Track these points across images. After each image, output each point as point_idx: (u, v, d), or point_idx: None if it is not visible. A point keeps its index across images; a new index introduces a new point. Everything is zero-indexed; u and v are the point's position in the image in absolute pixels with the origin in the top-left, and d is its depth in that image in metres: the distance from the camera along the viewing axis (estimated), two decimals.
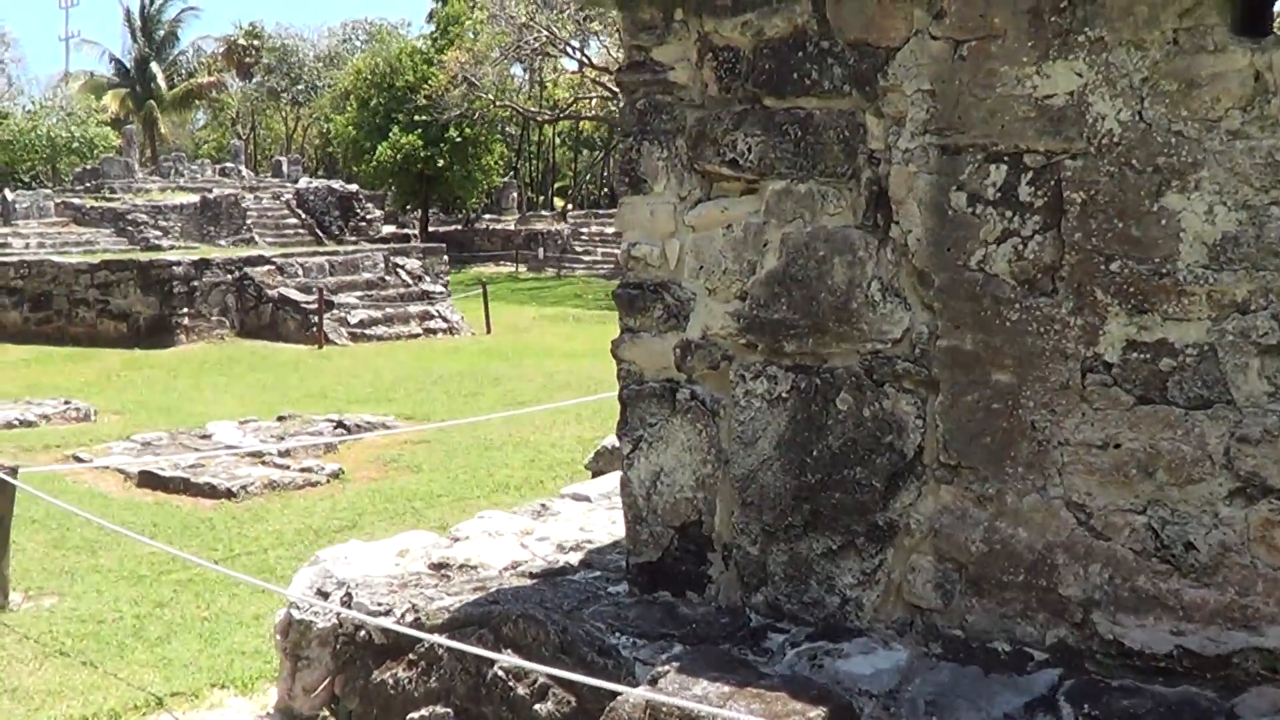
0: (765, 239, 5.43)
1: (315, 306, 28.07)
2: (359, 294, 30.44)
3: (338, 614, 6.44)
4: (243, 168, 68.06)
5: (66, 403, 18.35)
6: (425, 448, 15.59)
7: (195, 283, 28.15)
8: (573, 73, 57.43)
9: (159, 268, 27.98)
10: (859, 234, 5.17)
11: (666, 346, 5.82)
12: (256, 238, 56.09)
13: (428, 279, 32.18)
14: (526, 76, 59.30)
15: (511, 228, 62.96)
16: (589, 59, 52.64)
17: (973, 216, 4.88)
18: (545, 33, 50.48)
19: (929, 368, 5.03)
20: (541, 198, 77.02)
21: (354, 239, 57.88)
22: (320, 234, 58.98)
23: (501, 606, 5.85)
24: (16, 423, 17.27)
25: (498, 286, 41.42)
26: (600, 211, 64.49)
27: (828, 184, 5.25)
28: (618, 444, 10.65)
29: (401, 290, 31.42)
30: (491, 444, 15.60)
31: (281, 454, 14.63)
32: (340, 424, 16.40)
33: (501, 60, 52.25)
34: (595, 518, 7.88)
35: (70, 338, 28.75)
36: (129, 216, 54.89)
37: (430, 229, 63.79)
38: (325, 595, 6.62)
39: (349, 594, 6.45)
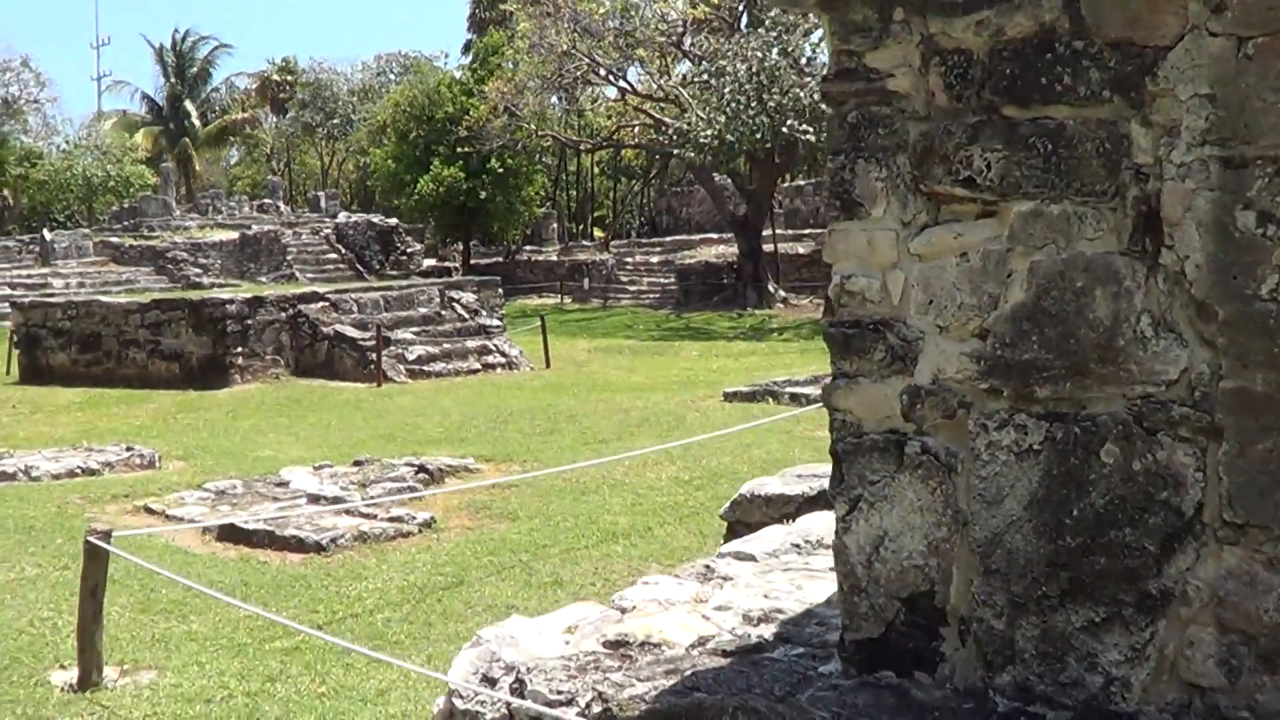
0: (1009, 268, 4.67)
1: (373, 343, 27.27)
2: (415, 330, 29.65)
3: (508, 704, 5.58)
4: (280, 203, 67.58)
5: (128, 449, 17.58)
6: (515, 492, 14.81)
7: (249, 321, 27.40)
8: (614, 100, 56.60)
9: (211, 306, 27.23)
10: (1124, 261, 4.43)
11: (890, 393, 5.02)
12: (297, 274, 55.59)
13: (484, 313, 31.39)
14: (565, 105, 58.18)
15: (554, 259, 62.25)
16: (631, 86, 51.81)
17: (1263, 239, 4.16)
18: (587, 60, 49.68)
19: (1211, 413, 4.30)
20: (578, 227, 76.22)
21: (395, 273, 57.33)
22: (361, 269, 58.44)
23: (709, 695, 5.06)
24: (79, 471, 16.53)
25: (538, 319, 40.54)
26: (643, 241, 63.77)
27: (1085, 204, 4.49)
28: (757, 493, 9.70)
29: (458, 325, 30.63)
30: (585, 487, 14.79)
31: (366, 502, 13.79)
32: (422, 468, 15.61)
33: (542, 90, 51.42)
34: (774, 582, 7.00)
35: (121, 379, 28.03)
36: (169, 254, 54.45)
37: (471, 262, 63.03)
38: (492, 681, 5.75)
39: (520, 680, 5.61)
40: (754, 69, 43.11)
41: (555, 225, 72.77)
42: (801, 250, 54.42)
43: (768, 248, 51.90)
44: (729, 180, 54.76)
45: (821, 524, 7.71)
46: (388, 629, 9.73)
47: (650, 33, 48.27)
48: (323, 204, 68.62)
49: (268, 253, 57.67)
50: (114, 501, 14.69)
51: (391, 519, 13.16)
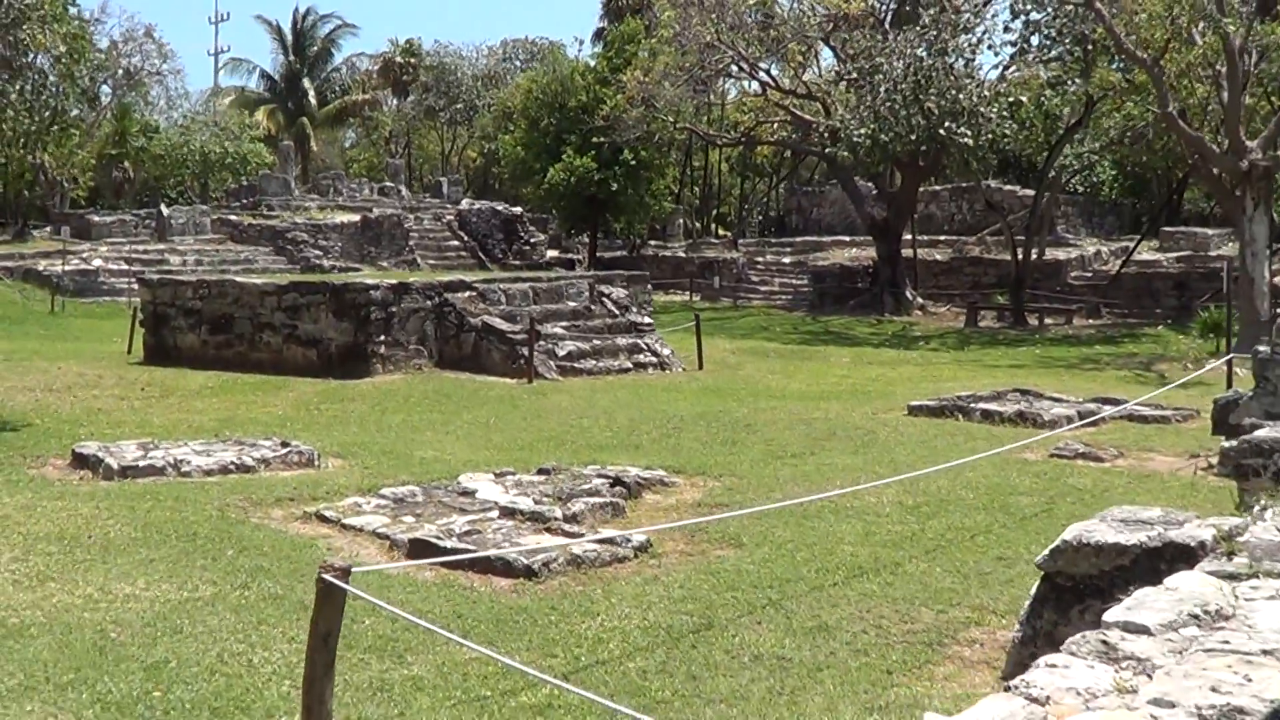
0: None
1: (523, 337, 25.66)
2: (565, 324, 28.03)
3: None
4: (402, 187, 66.26)
5: (284, 444, 16.02)
6: (723, 512, 13.03)
7: (393, 309, 25.83)
8: (755, 95, 54.86)
9: (354, 291, 25.69)
10: None
11: None
12: (419, 259, 54.22)
13: (634, 310, 29.73)
14: (704, 98, 56.49)
15: (681, 255, 60.68)
16: (774, 80, 50.04)
17: None
18: (730, 53, 47.96)
19: None
20: (700, 224, 74.55)
21: (517, 263, 56.03)
22: (483, 257, 57.15)
23: None
24: (233, 467, 14.98)
25: (674, 316, 38.96)
26: (772, 241, 62.12)
27: None
28: (1085, 540, 8.20)
29: (608, 321, 28.97)
30: (804, 510, 13.02)
31: (567, 518, 12.16)
32: (617, 481, 13.90)
33: (683, 81, 49.71)
34: (1208, 669, 5.30)
35: (253, 363, 26.60)
36: (288, 235, 53.25)
37: (596, 254, 61.61)
38: None
39: None
40: (910, 68, 41.18)
41: (681, 221, 71.14)
42: (939, 257, 52.69)
43: (905, 253, 49.96)
44: (867, 183, 52.92)
45: (1202, 587, 6.12)
46: (646, 683, 8.10)
47: (800, 27, 46.44)
48: (444, 189, 67.35)
49: (389, 237, 56.38)
50: (279, 505, 13.14)
51: (602, 541, 11.51)
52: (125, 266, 49.67)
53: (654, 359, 28.06)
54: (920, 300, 48.93)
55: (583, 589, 10.32)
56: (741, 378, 27.84)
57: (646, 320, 29.74)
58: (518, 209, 61.98)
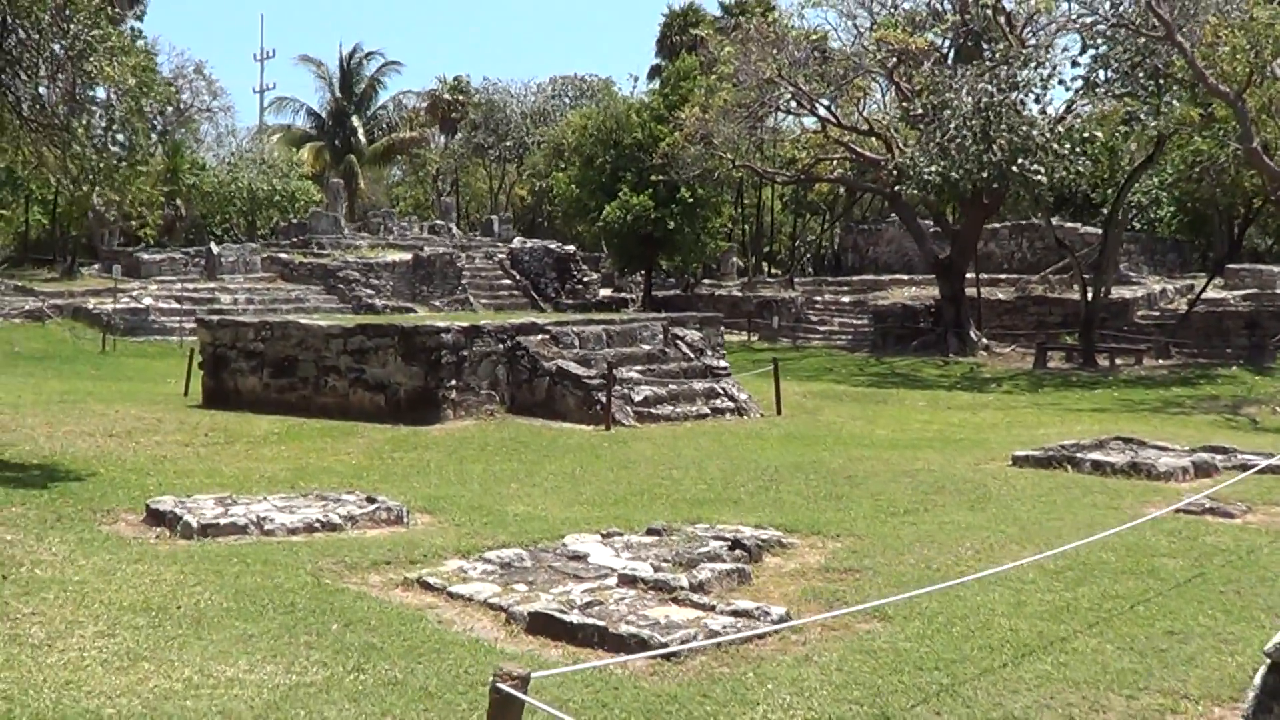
0: None
1: (598, 382, 24.64)
2: (639, 368, 26.98)
3: None
4: (453, 225, 65.51)
5: (370, 500, 15.00)
6: (854, 578, 12.01)
7: (464, 352, 24.81)
8: (815, 132, 53.86)
9: (425, 335, 24.69)
10: None
11: None
12: (471, 299, 53.41)
13: (709, 353, 28.64)
14: (760, 135, 55.54)
15: (736, 294, 59.70)
16: (835, 117, 49.03)
17: None
18: (791, 89, 47.02)
19: None
20: (751, 261, 73.57)
21: (570, 302, 55.30)
22: (536, 296, 56.44)
23: None
24: (319, 525, 13.97)
25: (736, 357, 37.88)
26: (829, 280, 61.08)
27: None
28: None
29: (683, 364, 27.93)
30: (939, 573, 12.02)
31: (693, 586, 11.14)
32: (737, 543, 12.83)
33: (744, 118, 48.78)
34: None
35: (318, 408, 25.65)
36: (340, 274, 52.60)
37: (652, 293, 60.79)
38: None
39: None
40: (980, 103, 40.12)
41: (735, 259, 70.21)
42: (1001, 296, 51.59)
43: (968, 292, 48.88)
44: (926, 220, 51.92)
45: None
46: None
47: (861, 62, 45.48)
48: (495, 227, 66.65)
49: (441, 276, 55.62)
50: (375, 570, 12.12)
51: (737, 613, 10.48)
52: (176, 305, 49.02)
53: (731, 404, 27.01)
54: (985, 340, 47.82)
55: (729, 671, 9.31)
56: (823, 424, 26.78)
57: (722, 364, 28.69)
58: (570, 247, 61.24)
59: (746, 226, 73.27)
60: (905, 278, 58.55)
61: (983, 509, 15.99)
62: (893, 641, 10.00)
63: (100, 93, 18.96)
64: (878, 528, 14.58)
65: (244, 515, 13.92)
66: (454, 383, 24.66)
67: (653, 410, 25.48)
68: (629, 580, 11.42)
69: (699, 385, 27.25)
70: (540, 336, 26.20)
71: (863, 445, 23.03)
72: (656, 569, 11.77)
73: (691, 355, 28.43)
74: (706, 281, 65.27)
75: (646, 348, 28.20)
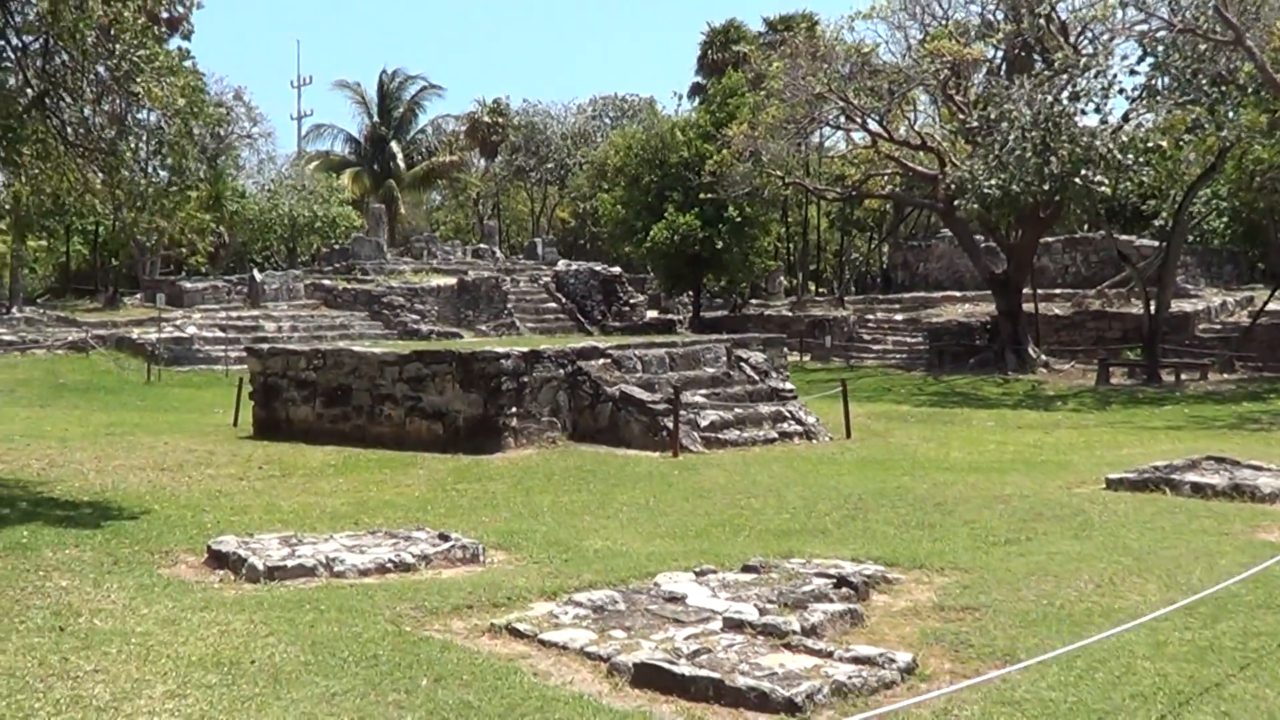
0: None
1: (663, 407, 23.79)
2: (705, 392, 26.10)
3: None
4: (497, 249, 64.84)
5: (443, 537, 14.16)
6: (974, 618, 11.11)
7: (524, 378, 23.95)
8: (865, 147, 52.94)
9: (484, 361, 23.83)
10: None
11: None
12: (517, 322, 52.69)
13: (774, 375, 27.74)
14: (809, 151, 54.76)
15: (786, 313, 58.80)
16: (886, 131, 48.10)
17: None
18: (842, 103, 46.13)
19: None
20: (796, 280, 72.69)
21: (617, 324, 54.52)
22: (582, 319, 55.64)
23: None
24: (392, 566, 13.10)
25: (791, 377, 36.98)
26: (880, 298, 60.18)
27: None
28: None
29: (749, 388, 27.03)
30: (1069, 614, 11.12)
31: (805, 630, 10.25)
32: (843, 581, 11.91)
33: (794, 135, 47.94)
34: None
35: (373, 438, 24.86)
36: (384, 299, 51.99)
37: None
38: None
39: None
40: (1040, 114, 39.15)
41: (782, 278, 69.34)
42: (1058, 311, 50.62)
43: (1025, 307, 47.92)
44: (977, 236, 51.00)
45: None
46: None
47: (915, 75, 44.57)
48: (539, 250, 65.92)
49: (486, 300, 54.93)
50: (458, 615, 11.25)
51: (858, 660, 9.58)
52: (220, 334, 48.44)
53: (799, 428, 26.11)
54: (1044, 357, 46.87)
55: None
56: (896, 446, 25.89)
57: (788, 386, 27.80)
58: (616, 269, 60.51)
59: (791, 245, 72.30)
60: (958, 294, 57.63)
61: (1088, 537, 15.08)
62: (1035, 691, 9.11)
63: (147, 115, 18.13)
64: (982, 559, 13.69)
65: (312, 556, 13.07)
66: (514, 410, 23.81)
67: (719, 435, 24.60)
68: (735, 624, 10.55)
69: (765, 408, 26.36)
70: (602, 361, 25.34)
71: (942, 469, 22.12)
72: (762, 611, 10.89)
73: (756, 378, 27.55)
74: (754, 301, 64.46)
75: (710, 371, 27.33)
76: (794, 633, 10.26)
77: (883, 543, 14.85)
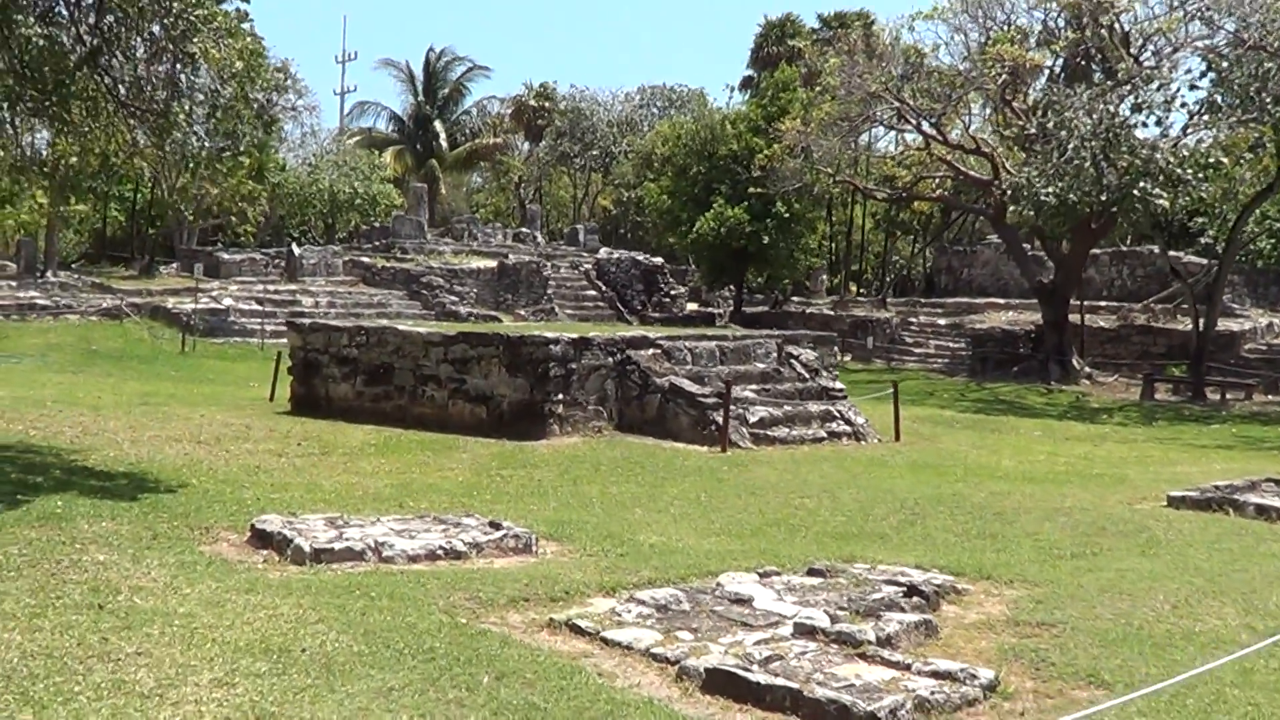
0: None
1: (714, 401, 23.28)
2: (754, 387, 25.56)
3: None
4: (538, 234, 64.34)
5: (494, 525, 13.65)
6: (1051, 634, 10.62)
7: (572, 365, 23.44)
8: (919, 149, 52.34)
9: (531, 345, 23.32)
10: None
11: None
12: (556, 309, 52.24)
13: (824, 373, 27.18)
14: (859, 151, 54.21)
15: (827, 312, 58.23)
16: (941, 134, 47.48)
17: None
18: (897, 103, 45.53)
19: None
20: (838, 279, 72.11)
21: (657, 315, 54.08)
22: (622, 308, 55.12)
23: None
24: (442, 553, 12.59)
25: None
26: (923, 301, 59.58)
27: None
28: None
29: (799, 385, 26.47)
30: (1150, 636, 10.63)
31: (880, 640, 9.75)
32: (914, 590, 11.39)
33: (847, 133, 47.39)
34: None
35: (414, 419, 24.38)
36: (423, 279, 51.56)
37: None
38: None
39: None
40: (1101, 123, 38.52)
41: (824, 277, 68.77)
42: (1103, 324, 49.99)
43: (1072, 319, 47.32)
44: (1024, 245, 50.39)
45: None
46: None
47: (975, 77, 43.93)
48: (581, 237, 65.39)
49: (526, 285, 54.46)
50: (514, 608, 10.76)
51: (938, 674, 9.08)
52: (256, 306, 48.06)
53: (848, 428, 25.58)
54: (1087, 369, 46.27)
55: None
56: (945, 452, 25.35)
57: (838, 385, 27.23)
58: (658, 259, 59.98)
59: (834, 244, 71.69)
60: (1001, 301, 57.04)
61: (1156, 555, 14.55)
62: (1124, 715, 8.61)
63: (203, 77, 17.62)
64: (1050, 573, 13.16)
65: (359, 539, 12.58)
66: (561, 397, 23.30)
67: (768, 432, 24.09)
68: (806, 630, 10.06)
69: (814, 407, 25.83)
70: (652, 351, 24.81)
71: (995, 478, 21.60)
72: (833, 618, 10.39)
73: (806, 375, 27.00)
74: (795, 299, 63.88)
75: (760, 366, 26.78)
76: (869, 642, 9.77)
77: (945, 551, 14.36)
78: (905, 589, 11.49)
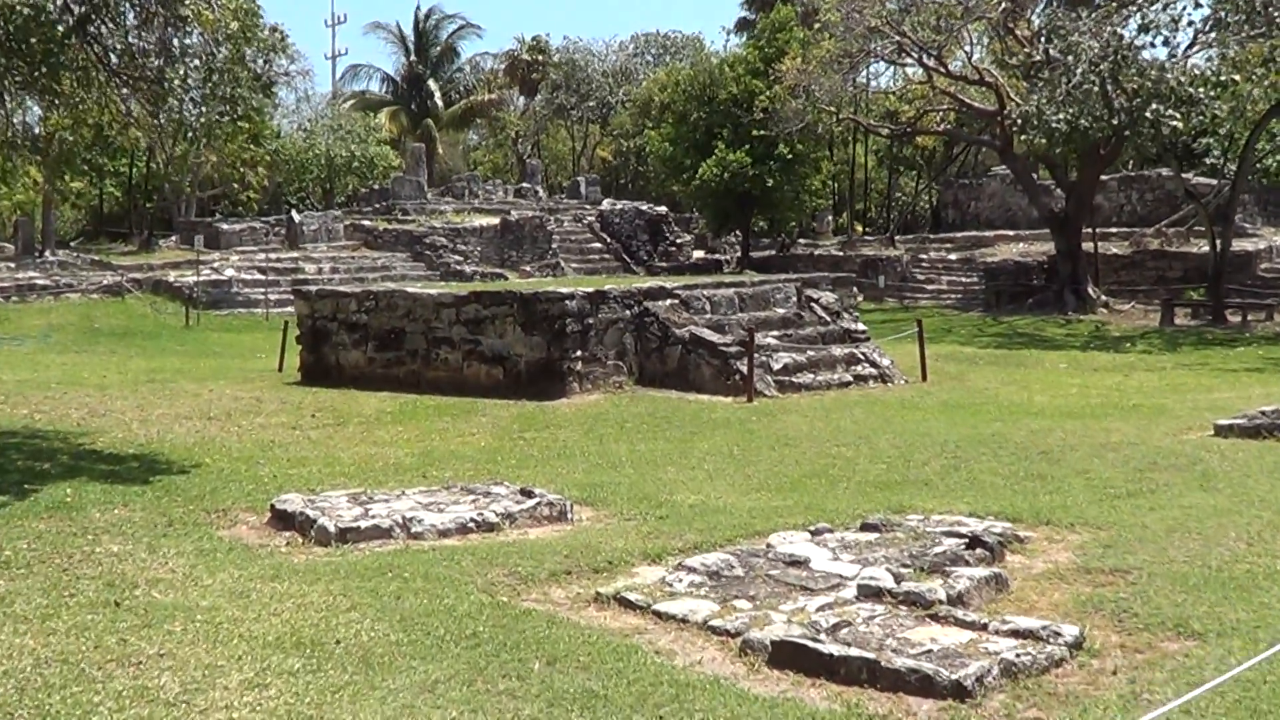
0: None
1: (735, 349, 22.63)
2: (776, 333, 24.90)
3: None
4: (539, 188, 63.58)
5: (526, 493, 13.02)
6: (1127, 581, 9.99)
7: (589, 320, 22.77)
8: (921, 82, 51.51)
9: (546, 302, 22.64)
10: None
11: None
12: (562, 263, 51.57)
13: (845, 316, 26.50)
14: (861, 89, 53.41)
15: (836, 253, 57.44)
16: (945, 67, 46.66)
17: None
18: (899, 38, 44.69)
19: None
20: (844, 219, 71.33)
21: (664, 264, 53.49)
22: (627, 259, 54.52)
23: None
24: (474, 525, 11.95)
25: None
26: (932, 237, 58.82)
27: None
28: None
29: (820, 329, 25.83)
30: (1230, 578, 10.10)
31: (951, 599, 9.09)
32: (976, 541, 10.74)
33: (848, 70, 46.61)
34: None
35: (429, 383, 23.75)
36: (426, 240, 50.90)
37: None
38: None
39: None
40: (1110, 46, 37.73)
41: (830, 217, 67.99)
42: (1116, 250, 49.28)
43: (1084, 247, 46.59)
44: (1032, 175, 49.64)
45: None
46: None
47: (981, 4, 43.04)
48: (583, 190, 64.63)
49: (530, 240, 53.80)
50: (556, 582, 10.13)
51: (1016, 633, 8.44)
52: (259, 276, 47.39)
53: (874, 370, 24.95)
54: (1103, 297, 45.56)
55: (1042, 717, 7.24)
56: (975, 390, 24.72)
57: (860, 327, 26.56)
58: (663, 208, 59.27)
59: (837, 184, 70.87)
60: (1010, 233, 56.27)
61: (1216, 490, 13.90)
62: (1226, 667, 7.93)
63: (197, 40, 16.90)
64: (1111, 515, 12.53)
65: (387, 516, 11.94)
66: (579, 353, 22.64)
67: (793, 379, 23.46)
68: (872, 593, 9.42)
69: (838, 351, 25.19)
70: (669, 301, 24.13)
71: (1032, 415, 20.97)
72: (897, 577, 9.74)
73: (828, 319, 26.33)
74: (802, 241, 63.12)
75: (781, 311, 26.10)
76: (940, 602, 9.15)
77: (995, 495, 13.74)
78: (967, 540, 10.86)
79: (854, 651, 7.99)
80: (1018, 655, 7.98)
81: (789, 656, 8.13)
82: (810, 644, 8.13)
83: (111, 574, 10.15)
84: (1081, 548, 11.17)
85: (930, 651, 8.09)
